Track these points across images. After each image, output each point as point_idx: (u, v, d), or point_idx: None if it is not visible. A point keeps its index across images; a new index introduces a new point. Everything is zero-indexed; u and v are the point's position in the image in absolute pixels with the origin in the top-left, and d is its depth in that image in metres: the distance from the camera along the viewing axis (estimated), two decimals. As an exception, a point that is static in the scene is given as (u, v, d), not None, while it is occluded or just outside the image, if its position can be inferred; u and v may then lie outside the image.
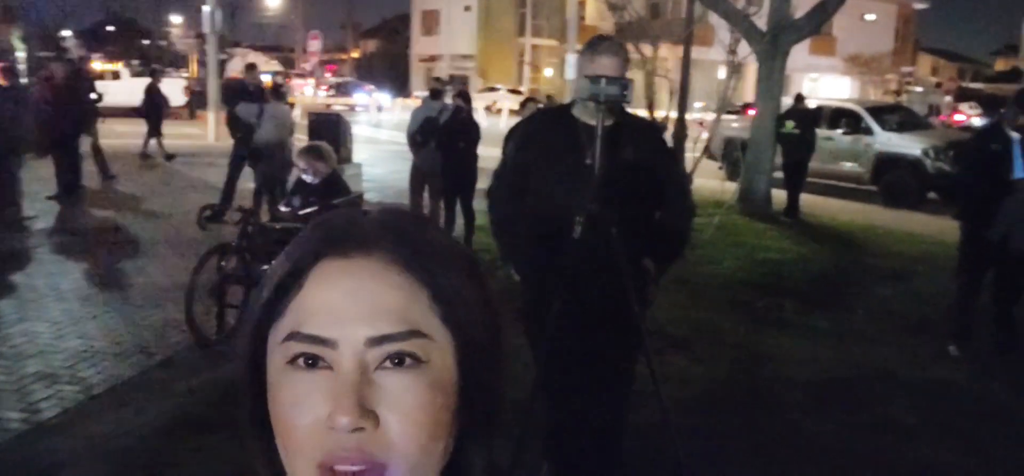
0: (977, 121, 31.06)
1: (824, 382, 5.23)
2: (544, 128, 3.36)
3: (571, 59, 16.54)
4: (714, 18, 12.96)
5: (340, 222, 0.66)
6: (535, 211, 3.19)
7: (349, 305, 0.61)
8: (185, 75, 31.71)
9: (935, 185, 13.80)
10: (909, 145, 14.40)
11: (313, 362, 0.61)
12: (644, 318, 3.33)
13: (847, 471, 4.06)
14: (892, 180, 14.27)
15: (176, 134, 18.25)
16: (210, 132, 18.72)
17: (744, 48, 12.05)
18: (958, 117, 31.57)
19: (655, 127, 3.65)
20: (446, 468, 0.65)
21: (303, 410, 0.60)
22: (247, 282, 5.60)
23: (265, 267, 5.79)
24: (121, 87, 24.10)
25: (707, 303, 6.39)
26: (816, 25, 11.96)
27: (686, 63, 14.00)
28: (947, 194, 12.77)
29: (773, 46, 11.54)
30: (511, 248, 3.42)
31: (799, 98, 13.04)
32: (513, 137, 3.44)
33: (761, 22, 12.01)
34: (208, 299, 5.42)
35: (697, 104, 15.83)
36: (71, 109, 9.96)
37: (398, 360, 0.60)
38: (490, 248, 8.33)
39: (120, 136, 15.87)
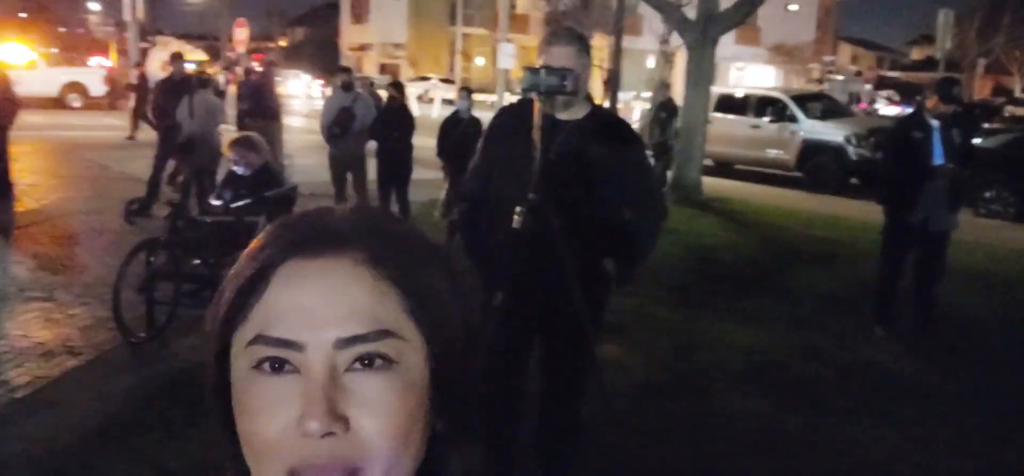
0: (894, 110, 32.17)
1: (757, 365, 5.36)
2: (509, 120, 3.32)
3: (504, 48, 16.53)
4: (643, 7, 13.15)
5: (308, 221, 0.65)
6: (492, 202, 3.19)
7: (317, 306, 0.59)
8: (106, 64, 30.65)
9: (857, 170, 14.30)
10: (832, 132, 14.87)
11: (279, 366, 0.59)
12: (599, 316, 3.34)
13: (781, 451, 4.17)
14: (816, 166, 14.72)
15: (97, 125, 17.67)
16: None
17: (676, 38, 12.25)
18: (893, 109, 32.40)
19: (624, 122, 3.62)
20: (420, 469, 0.63)
21: (271, 416, 0.58)
22: (177, 278, 5.45)
23: (196, 261, 5.69)
24: (37, 77, 23.20)
25: (641, 290, 6.46)
26: (744, 15, 12.20)
27: (618, 52, 14.14)
28: (868, 179, 13.25)
29: (702, 36, 11.74)
30: (470, 241, 3.41)
31: (667, 86, 13.56)
32: (487, 130, 3.45)
33: (691, 12, 12.21)
34: (136, 296, 5.26)
35: (645, 94, 15.88)
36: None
37: (368, 361, 0.59)
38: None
39: (37, 128, 15.27)
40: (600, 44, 17.05)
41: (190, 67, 14.66)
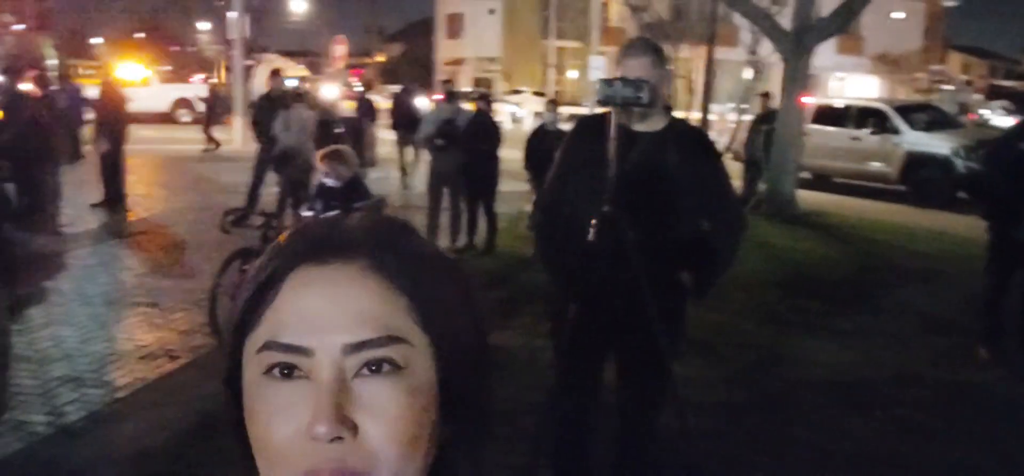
0: (1009, 121, 30.34)
1: (849, 384, 5.17)
2: (586, 132, 3.28)
3: (594, 61, 16.52)
4: (739, 18, 12.93)
5: (317, 229, 0.66)
6: (567, 215, 3.18)
7: (326, 312, 0.60)
8: (213, 81, 32.07)
9: (965, 184, 13.62)
10: (938, 144, 14.23)
11: (289, 372, 0.60)
12: (677, 330, 3.29)
13: (871, 475, 4.00)
14: (921, 179, 14.11)
15: (204, 139, 18.47)
16: (237, 137, 18.89)
17: (768, 48, 11.99)
18: (1009, 120, 30.45)
19: (702, 133, 3.55)
20: (429, 473, 0.64)
21: (281, 421, 0.59)
22: (269, 285, 5.64)
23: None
24: (150, 93, 24.49)
25: (729, 305, 6.33)
26: (840, 25, 11.84)
27: (710, 63, 13.91)
28: (977, 193, 12.62)
29: (797, 46, 11.44)
30: (545, 252, 3.41)
31: (768, 96, 13.09)
32: (565, 141, 3.44)
33: (786, 21, 11.92)
34: (231, 302, 5.46)
35: (743, 105, 15.25)
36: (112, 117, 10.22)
37: (376, 367, 0.60)
38: (514, 251, 8.37)
39: (149, 142, 16.07)
40: (688, 55, 16.79)
41: (292, 83, 15.20)
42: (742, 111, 15.12)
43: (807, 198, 12.59)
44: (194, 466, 3.90)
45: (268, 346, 0.60)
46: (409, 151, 12.67)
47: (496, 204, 8.79)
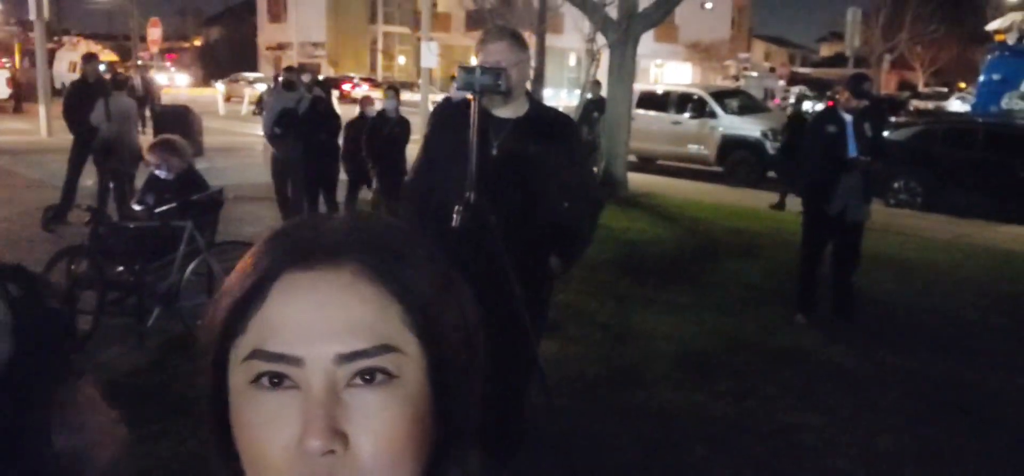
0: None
1: (687, 354, 5.50)
2: (450, 117, 3.28)
3: (425, 46, 16.50)
4: (566, 6, 13.33)
5: (304, 231, 0.63)
6: (436, 201, 3.20)
7: (316, 320, 0.58)
8: (6, 64, 29.32)
9: (773, 164, 14.74)
10: (749, 127, 15.31)
11: (278, 381, 0.58)
12: (543, 313, 3.38)
13: (714, 438, 4.29)
14: (735, 161, 15.13)
15: (3, 129, 16.94)
16: (42, 127, 17.43)
17: (602, 36, 12.43)
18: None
19: (564, 117, 3.65)
20: None
21: (270, 433, 0.57)
22: (100, 285, 5.29)
23: (120, 269, 5.52)
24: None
25: (574, 286, 6.55)
26: (663, 13, 12.45)
27: (541, 51, 14.24)
28: (784, 172, 13.69)
29: (625, 35, 11.94)
30: None
31: (598, 84, 13.80)
32: (428, 127, 3.44)
33: (613, 11, 12.40)
34: (58, 305, 5.07)
35: (585, 92, 15.84)
36: None
37: (369, 377, 0.58)
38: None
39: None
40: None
41: (102, 68, 14.15)
42: (582, 97, 15.66)
43: (635, 180, 13.20)
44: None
45: (255, 354, 0.58)
46: None
47: (336, 192, 8.64)
